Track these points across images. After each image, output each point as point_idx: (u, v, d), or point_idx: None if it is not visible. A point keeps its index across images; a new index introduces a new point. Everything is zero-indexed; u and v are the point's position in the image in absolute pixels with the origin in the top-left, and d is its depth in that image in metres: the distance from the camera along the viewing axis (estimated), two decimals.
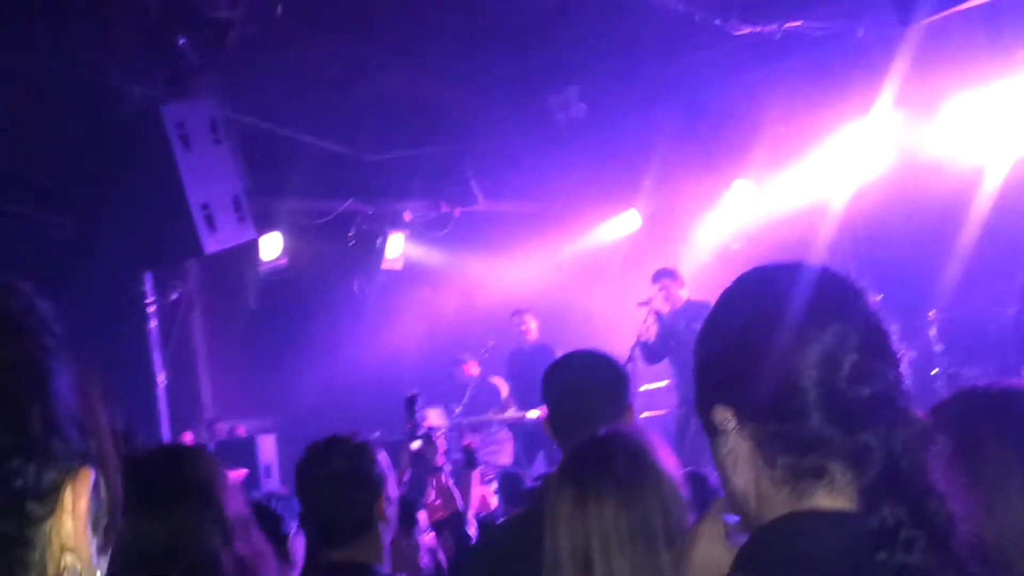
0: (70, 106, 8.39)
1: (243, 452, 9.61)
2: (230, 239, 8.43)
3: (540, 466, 10.52)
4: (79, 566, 0.92)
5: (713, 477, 3.41)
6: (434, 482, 5.74)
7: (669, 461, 2.43)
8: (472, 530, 5.13)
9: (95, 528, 0.95)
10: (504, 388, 11.16)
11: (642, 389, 10.54)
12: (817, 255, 9.74)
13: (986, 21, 9.38)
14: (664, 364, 10.03)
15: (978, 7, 8.79)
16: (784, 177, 11.18)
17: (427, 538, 4.91)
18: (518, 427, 10.76)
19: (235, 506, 2.32)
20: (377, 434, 9.06)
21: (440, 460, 5.63)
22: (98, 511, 0.95)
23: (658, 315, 9.61)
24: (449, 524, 5.05)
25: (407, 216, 12.46)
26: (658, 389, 11.28)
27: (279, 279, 11.64)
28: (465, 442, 6.44)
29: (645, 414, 10.22)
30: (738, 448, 1.39)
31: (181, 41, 7.99)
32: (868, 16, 9.50)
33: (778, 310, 1.37)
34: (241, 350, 12.33)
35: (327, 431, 3.32)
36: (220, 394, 12.47)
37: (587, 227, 12.96)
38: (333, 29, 8.93)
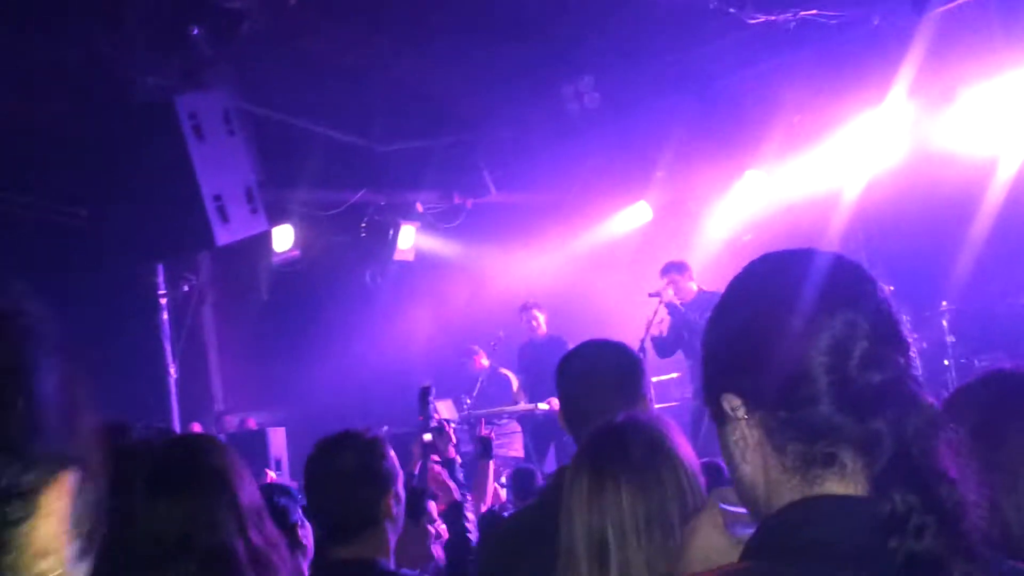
0: (83, 97, 8.41)
1: (253, 445, 9.62)
2: (242, 231, 8.43)
3: (551, 459, 10.53)
4: (56, 571, 0.91)
5: None
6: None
7: (686, 448, 2.42)
8: (470, 524, 5.11)
9: (76, 532, 0.94)
10: (514, 381, 11.17)
11: (652, 381, 10.54)
12: (830, 245, 9.71)
13: (1001, 10, 9.35)
14: (673, 356, 10.04)
15: None
16: (797, 167, 11.15)
17: (440, 527, 4.90)
18: (528, 420, 10.76)
19: (249, 495, 2.33)
20: (386, 428, 9.07)
21: (452, 452, 5.62)
22: (80, 515, 0.94)
23: (671, 307, 9.60)
24: (447, 516, 5.04)
25: (419, 207, 12.46)
26: (669, 380, 11.29)
27: (291, 270, 11.66)
28: (482, 433, 6.43)
29: (656, 406, 10.21)
30: (747, 436, 1.38)
31: (194, 32, 8.00)
32: (882, 5, 9.47)
33: (787, 298, 1.36)
34: (253, 342, 12.36)
35: (338, 424, 3.32)
36: (231, 386, 12.51)
37: (599, 218, 12.93)
38: (346, 20, 8.93)
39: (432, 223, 12.75)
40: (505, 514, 5.73)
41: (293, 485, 5.71)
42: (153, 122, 8.11)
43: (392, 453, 3.28)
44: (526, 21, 9.19)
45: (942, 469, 1.26)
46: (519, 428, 10.82)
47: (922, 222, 9.78)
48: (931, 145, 10.07)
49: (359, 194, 11.71)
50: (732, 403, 1.39)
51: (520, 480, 7.34)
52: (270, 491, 3.76)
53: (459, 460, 5.78)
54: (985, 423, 1.98)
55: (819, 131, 10.75)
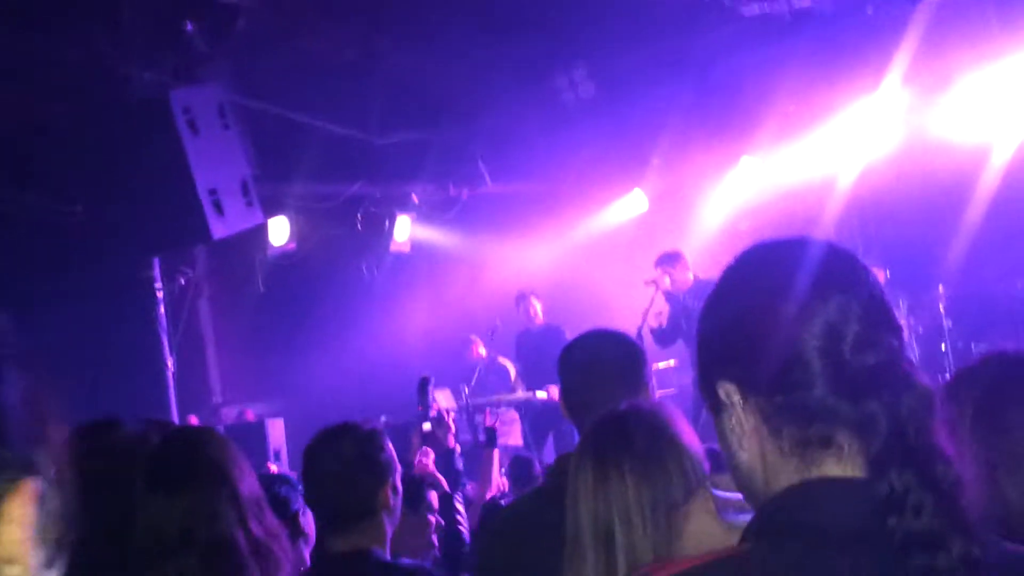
0: (78, 93, 8.40)
1: (252, 436, 9.63)
2: (238, 224, 8.43)
3: (549, 448, 10.54)
4: None
5: None
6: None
7: (689, 435, 2.44)
8: (461, 516, 5.12)
9: (41, 540, 0.93)
10: (512, 369, 11.17)
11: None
12: (826, 232, 9.73)
13: None
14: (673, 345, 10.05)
15: None
16: (792, 155, 11.15)
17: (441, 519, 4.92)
18: (526, 409, 10.78)
19: (249, 487, 2.33)
20: (384, 419, 9.08)
21: (451, 442, 5.63)
22: (45, 523, 0.94)
23: (668, 295, 9.61)
24: (439, 508, 5.05)
25: (415, 198, 12.46)
26: (666, 368, 11.31)
27: (287, 263, 11.65)
28: (488, 423, 6.43)
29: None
30: (743, 422, 1.39)
31: (189, 27, 7.99)
32: None
33: (781, 284, 1.38)
34: (250, 334, 12.36)
35: (336, 414, 3.33)
36: (229, 379, 12.51)
37: (595, 208, 12.93)
38: (341, 13, 8.92)
39: (428, 214, 12.75)
40: (504, 502, 5.73)
41: (292, 475, 5.72)
42: (148, 117, 8.11)
43: (390, 445, 3.29)
44: (520, 11, 9.19)
45: (938, 448, 1.27)
46: (518, 417, 10.84)
47: (917, 208, 9.81)
48: (926, 132, 10.09)
49: (355, 186, 11.71)
50: (727, 390, 1.41)
51: (518, 468, 7.35)
52: (270, 481, 3.77)
53: (459, 449, 5.79)
54: (987, 406, 2.00)
55: (814, 119, 10.75)
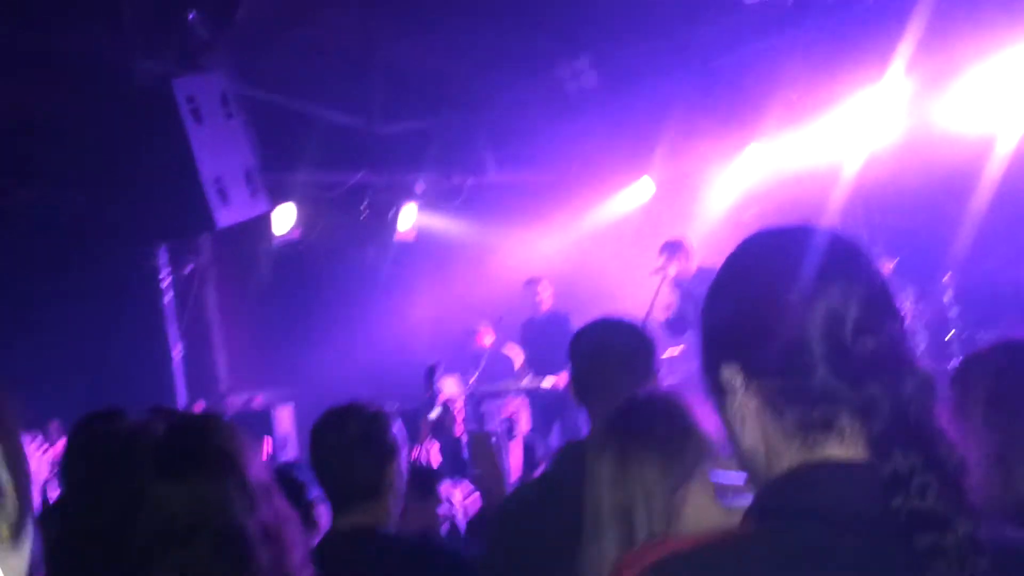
0: (80, 82, 8.40)
1: (259, 423, 9.65)
2: (243, 212, 8.45)
3: (555, 436, 10.55)
4: None
5: None
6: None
7: (707, 421, 2.46)
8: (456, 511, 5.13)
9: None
10: (518, 357, 11.17)
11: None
12: (830, 221, 9.72)
13: None
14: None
15: None
16: (797, 144, 11.14)
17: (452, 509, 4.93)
18: (533, 396, 10.77)
19: (257, 473, 2.34)
20: (396, 405, 9.08)
21: (459, 430, 5.65)
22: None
23: (676, 284, 9.60)
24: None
25: (419, 187, 12.46)
26: (670, 358, 11.29)
27: (292, 251, 11.66)
28: (507, 412, 6.44)
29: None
30: (746, 406, 1.41)
31: (191, 15, 7.98)
32: None
33: (784, 270, 1.40)
34: (255, 322, 12.37)
35: (343, 401, 3.35)
36: (235, 366, 12.52)
37: (600, 196, 12.93)
38: (344, 1, 8.91)
39: (433, 203, 12.75)
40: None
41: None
42: (151, 107, 8.11)
43: (398, 428, 3.31)
44: (524, 1, 9.17)
45: (940, 430, 1.29)
46: (526, 401, 10.83)
47: (923, 197, 9.79)
48: (931, 121, 10.08)
49: (359, 175, 11.71)
50: (730, 373, 1.43)
51: (523, 453, 7.38)
52: (289, 468, 3.80)
53: (465, 438, 5.81)
54: (999, 392, 2.01)
55: (818, 108, 10.74)
